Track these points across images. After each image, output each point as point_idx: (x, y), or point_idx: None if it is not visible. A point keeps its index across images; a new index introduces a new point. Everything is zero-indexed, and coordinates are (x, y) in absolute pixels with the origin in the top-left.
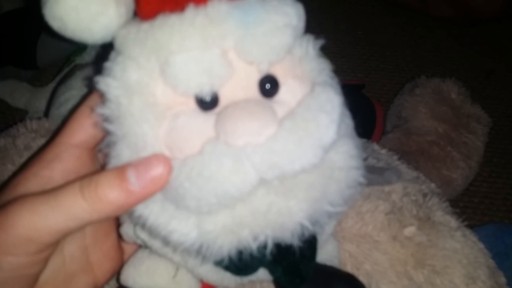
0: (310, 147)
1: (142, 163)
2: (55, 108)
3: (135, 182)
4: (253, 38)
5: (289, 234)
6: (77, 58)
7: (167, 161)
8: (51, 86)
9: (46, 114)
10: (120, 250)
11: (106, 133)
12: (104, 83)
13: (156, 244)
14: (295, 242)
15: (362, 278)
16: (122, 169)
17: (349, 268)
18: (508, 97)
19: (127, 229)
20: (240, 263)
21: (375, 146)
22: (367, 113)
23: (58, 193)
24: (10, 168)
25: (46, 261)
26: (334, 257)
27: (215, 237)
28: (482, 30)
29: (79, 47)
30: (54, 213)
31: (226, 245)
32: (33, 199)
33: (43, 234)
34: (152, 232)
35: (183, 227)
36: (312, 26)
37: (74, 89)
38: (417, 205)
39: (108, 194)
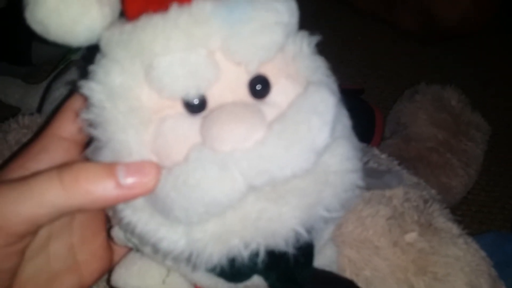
0: (301, 152)
1: (135, 165)
2: (49, 103)
3: (123, 179)
4: (239, 38)
5: (282, 241)
6: (73, 56)
7: (158, 171)
8: (45, 83)
9: (39, 109)
10: (109, 250)
11: (91, 139)
12: (87, 87)
13: (147, 249)
14: (289, 249)
15: (361, 285)
16: (112, 164)
17: (348, 274)
18: (505, 106)
19: (118, 232)
20: (232, 271)
21: (375, 151)
22: (366, 118)
23: (33, 178)
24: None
25: (21, 254)
26: (332, 262)
27: (204, 245)
28: (481, 40)
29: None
30: (25, 200)
31: (216, 254)
32: (3, 185)
33: (13, 223)
34: (141, 239)
35: (172, 235)
36: (310, 31)
37: (69, 84)
38: (418, 211)
39: (90, 184)
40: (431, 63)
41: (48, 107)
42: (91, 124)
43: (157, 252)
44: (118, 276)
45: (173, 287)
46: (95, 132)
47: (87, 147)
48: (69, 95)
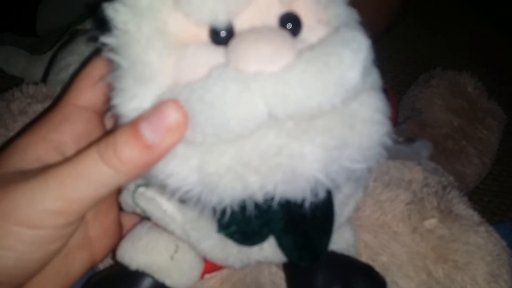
0: (330, 83)
1: (153, 113)
2: (55, 73)
3: (151, 135)
4: None
5: (300, 186)
6: (78, 26)
7: (178, 105)
8: (50, 54)
9: (44, 79)
10: (120, 226)
11: (112, 67)
12: (112, 8)
13: (155, 212)
14: (307, 198)
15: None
16: (134, 124)
17: (364, 259)
18: None
19: (125, 197)
20: (246, 226)
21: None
22: None
23: (78, 162)
24: (3, 133)
25: (69, 237)
26: (351, 246)
27: (217, 180)
28: (497, 26)
29: (81, 15)
30: (80, 183)
31: (229, 191)
32: (57, 171)
33: (74, 205)
34: (149, 178)
35: (182, 170)
36: None
37: (76, 54)
38: (437, 197)
39: (129, 155)
40: (446, 49)
41: (53, 77)
42: (112, 49)
43: (164, 190)
44: (124, 250)
45: (181, 263)
46: (116, 57)
47: (107, 115)
48: (85, 62)
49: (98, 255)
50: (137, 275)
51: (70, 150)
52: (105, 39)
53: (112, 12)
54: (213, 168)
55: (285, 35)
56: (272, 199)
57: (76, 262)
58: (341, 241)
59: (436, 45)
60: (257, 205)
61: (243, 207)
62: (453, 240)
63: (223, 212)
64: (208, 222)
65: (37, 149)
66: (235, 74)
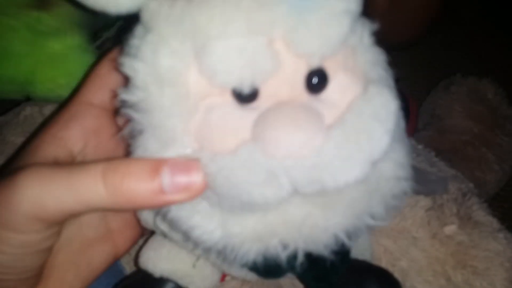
0: (358, 163)
1: (181, 166)
2: None
3: (167, 184)
4: (306, 27)
5: (322, 247)
6: (105, 34)
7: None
8: None
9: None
10: None
11: (129, 120)
12: (131, 66)
13: (176, 236)
14: (328, 253)
15: (396, 275)
16: (157, 165)
17: (383, 264)
18: None
19: (146, 217)
20: (267, 268)
21: (412, 141)
22: (401, 107)
23: (77, 171)
24: None
25: (58, 234)
26: (365, 250)
27: (241, 241)
28: None
29: (107, 22)
30: (66, 193)
31: (253, 252)
32: (46, 173)
33: (51, 213)
34: (173, 225)
35: (206, 224)
36: None
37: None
38: (457, 204)
39: (134, 189)
40: (467, 55)
41: None
42: (132, 106)
43: (188, 240)
44: (147, 258)
45: (203, 271)
46: (136, 116)
47: (117, 113)
48: (97, 61)
49: (120, 247)
50: (161, 281)
51: (78, 146)
52: (124, 95)
53: (132, 71)
54: (237, 229)
55: (315, 115)
56: (294, 256)
57: (98, 254)
58: (355, 246)
59: (457, 52)
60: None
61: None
62: (472, 246)
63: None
64: None
65: (47, 148)
66: (263, 159)
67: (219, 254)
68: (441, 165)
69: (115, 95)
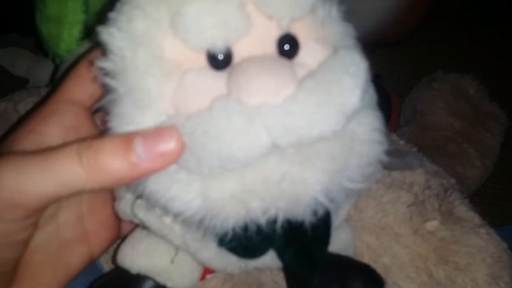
0: (331, 112)
1: (153, 134)
2: (61, 75)
3: (142, 154)
4: None
5: (302, 209)
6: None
7: (180, 137)
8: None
9: (52, 80)
10: (118, 220)
11: (107, 90)
12: (107, 33)
13: (154, 223)
14: (308, 218)
15: (378, 272)
16: (128, 137)
17: (366, 260)
18: None
19: (123, 207)
20: (247, 242)
21: (394, 137)
22: (382, 103)
23: (52, 154)
24: None
25: (35, 226)
26: (349, 246)
27: (221, 206)
28: (500, 29)
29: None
30: (44, 177)
31: (233, 216)
32: (22, 159)
33: (31, 199)
34: (151, 200)
35: (185, 194)
36: None
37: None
38: (439, 199)
39: (110, 164)
40: (449, 51)
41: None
42: (108, 73)
43: (167, 214)
44: (124, 255)
45: (182, 265)
46: (113, 82)
47: (96, 112)
48: (78, 60)
49: (96, 248)
50: (138, 279)
51: (56, 142)
52: (100, 63)
53: (107, 37)
54: (217, 194)
55: (286, 64)
56: (274, 221)
57: (74, 255)
58: (338, 241)
59: (439, 48)
60: (259, 225)
61: (245, 227)
62: (454, 242)
63: (225, 232)
64: (208, 236)
65: (23, 142)
66: (239, 107)
67: (199, 226)
68: (422, 156)
69: (94, 93)
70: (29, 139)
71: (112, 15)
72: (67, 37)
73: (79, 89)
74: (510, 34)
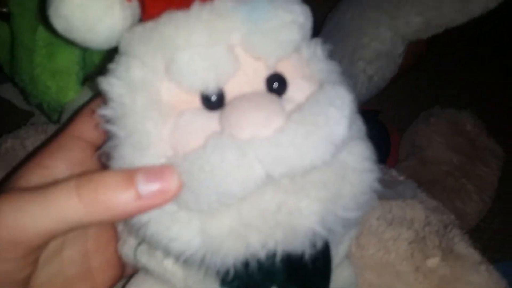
0: (320, 142)
1: (154, 171)
2: (68, 111)
3: (143, 190)
4: (260, 33)
5: (300, 240)
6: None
7: (178, 176)
8: None
9: (58, 120)
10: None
11: (108, 136)
12: (106, 82)
13: (156, 268)
14: (307, 250)
15: None
16: (130, 173)
17: None
18: None
19: (127, 251)
20: (249, 280)
21: (393, 172)
22: (382, 139)
23: (51, 189)
24: None
25: (35, 263)
26: (351, 284)
27: (220, 242)
28: (497, 65)
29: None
30: (43, 213)
31: (233, 252)
32: (21, 196)
33: (31, 236)
34: (152, 242)
35: (185, 233)
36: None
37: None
38: (439, 236)
39: (110, 198)
40: (448, 87)
41: (66, 115)
42: (109, 120)
43: (169, 256)
44: None
45: None
46: (113, 128)
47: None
48: (90, 100)
49: (100, 286)
50: None
51: (63, 176)
52: (101, 110)
53: (107, 86)
54: (216, 230)
55: (274, 99)
56: (274, 255)
57: None
58: (340, 279)
59: (439, 83)
60: (259, 261)
61: (245, 263)
62: (455, 279)
63: (227, 271)
64: (210, 277)
65: (30, 176)
66: (231, 141)
67: (200, 265)
68: (422, 196)
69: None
70: (35, 173)
71: (111, 66)
72: (74, 86)
73: (89, 126)
74: (506, 69)
